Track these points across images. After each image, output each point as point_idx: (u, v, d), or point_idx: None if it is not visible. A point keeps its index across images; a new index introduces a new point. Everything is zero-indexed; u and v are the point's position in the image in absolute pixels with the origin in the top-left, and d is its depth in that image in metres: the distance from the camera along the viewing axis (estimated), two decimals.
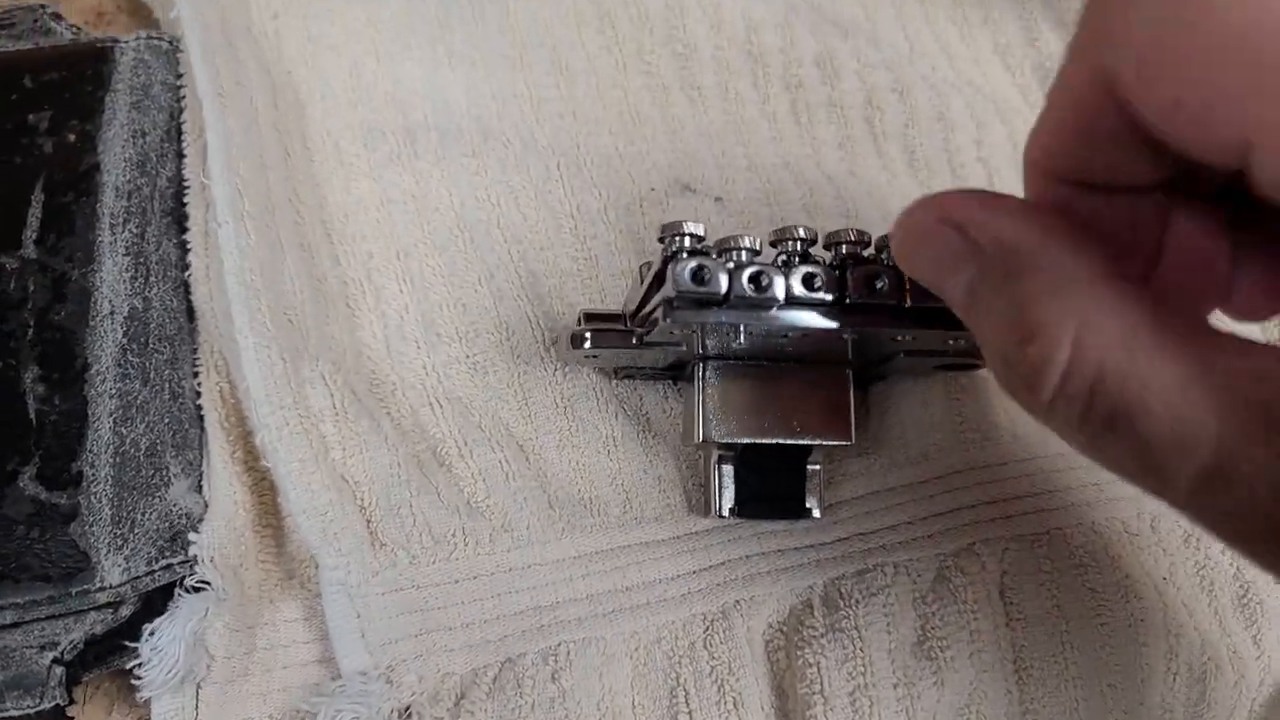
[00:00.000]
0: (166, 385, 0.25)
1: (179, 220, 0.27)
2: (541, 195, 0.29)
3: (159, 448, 0.25)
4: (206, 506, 0.25)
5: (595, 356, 0.25)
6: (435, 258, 0.27)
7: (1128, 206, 0.17)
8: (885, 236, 0.22)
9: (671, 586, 0.25)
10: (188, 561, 0.24)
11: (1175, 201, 0.18)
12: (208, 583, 0.24)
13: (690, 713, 0.24)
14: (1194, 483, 0.15)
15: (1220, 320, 0.18)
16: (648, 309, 0.23)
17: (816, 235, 0.22)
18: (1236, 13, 0.14)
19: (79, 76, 0.28)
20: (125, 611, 0.23)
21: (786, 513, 0.25)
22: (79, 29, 0.31)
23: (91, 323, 0.25)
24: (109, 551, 0.23)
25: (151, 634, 0.23)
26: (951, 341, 0.23)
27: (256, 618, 0.24)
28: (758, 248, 0.21)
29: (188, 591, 0.24)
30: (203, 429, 0.26)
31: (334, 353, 0.25)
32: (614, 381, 0.27)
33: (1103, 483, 0.28)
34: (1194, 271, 0.18)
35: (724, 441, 0.24)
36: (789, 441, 0.24)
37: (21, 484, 0.23)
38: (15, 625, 0.23)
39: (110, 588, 0.23)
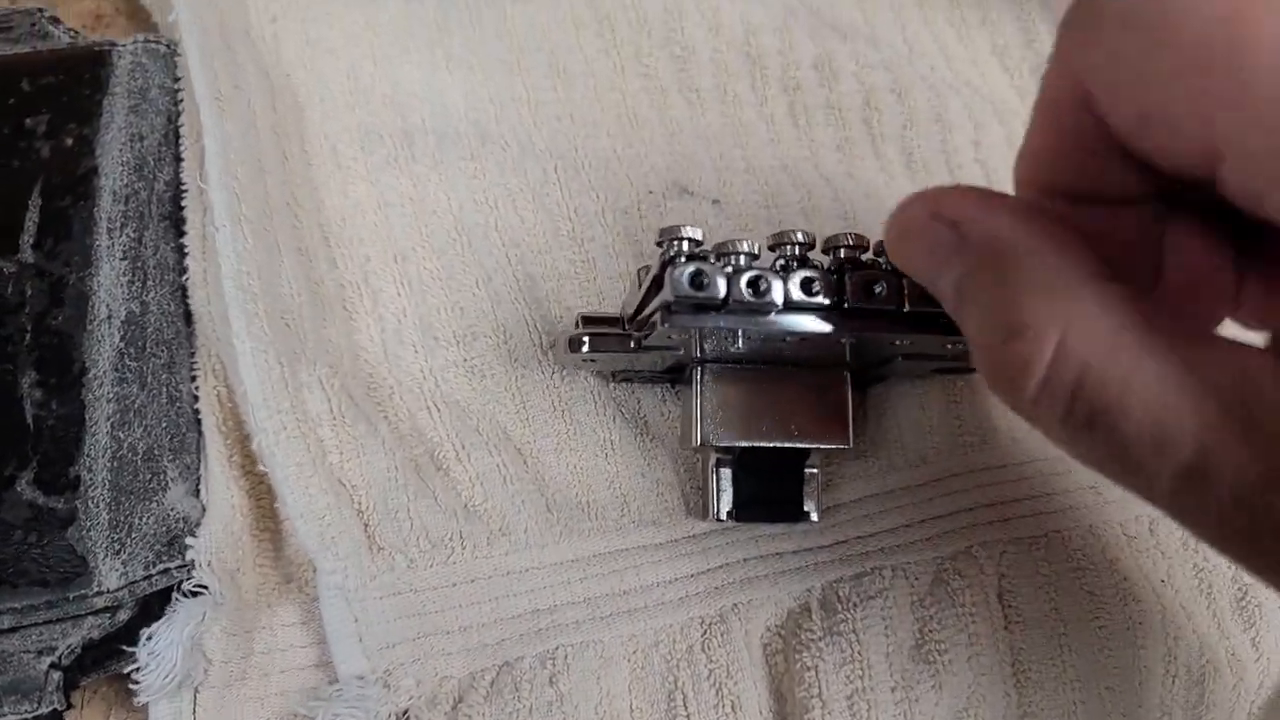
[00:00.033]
0: (164, 389, 0.25)
1: (177, 224, 0.27)
2: (539, 198, 0.29)
3: (156, 452, 0.25)
4: (204, 511, 0.25)
5: (593, 360, 0.25)
6: (433, 261, 0.27)
7: (1123, 219, 0.17)
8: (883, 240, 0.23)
9: (669, 590, 0.25)
10: (185, 566, 0.24)
11: (1175, 212, 0.18)
12: (205, 587, 0.24)
13: (688, 716, 0.24)
14: (1175, 482, 0.15)
15: (1230, 328, 0.18)
16: (645, 313, 0.23)
17: (815, 239, 0.22)
18: (1196, 27, 0.14)
19: (76, 80, 0.28)
20: (123, 616, 0.23)
21: (784, 516, 0.25)
22: (77, 32, 0.31)
23: (89, 327, 0.25)
24: (106, 556, 0.23)
25: (149, 638, 0.23)
26: (949, 346, 0.23)
27: (254, 622, 0.24)
28: (756, 252, 0.21)
29: (185, 596, 0.24)
30: (200, 433, 0.26)
31: (331, 356, 0.25)
32: (612, 385, 0.27)
33: (1101, 485, 0.28)
34: (1197, 280, 0.18)
35: (722, 445, 0.24)
36: (787, 445, 0.24)
37: (19, 489, 0.23)
38: (12, 630, 0.23)
39: (108, 592, 0.23)
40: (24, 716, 0.22)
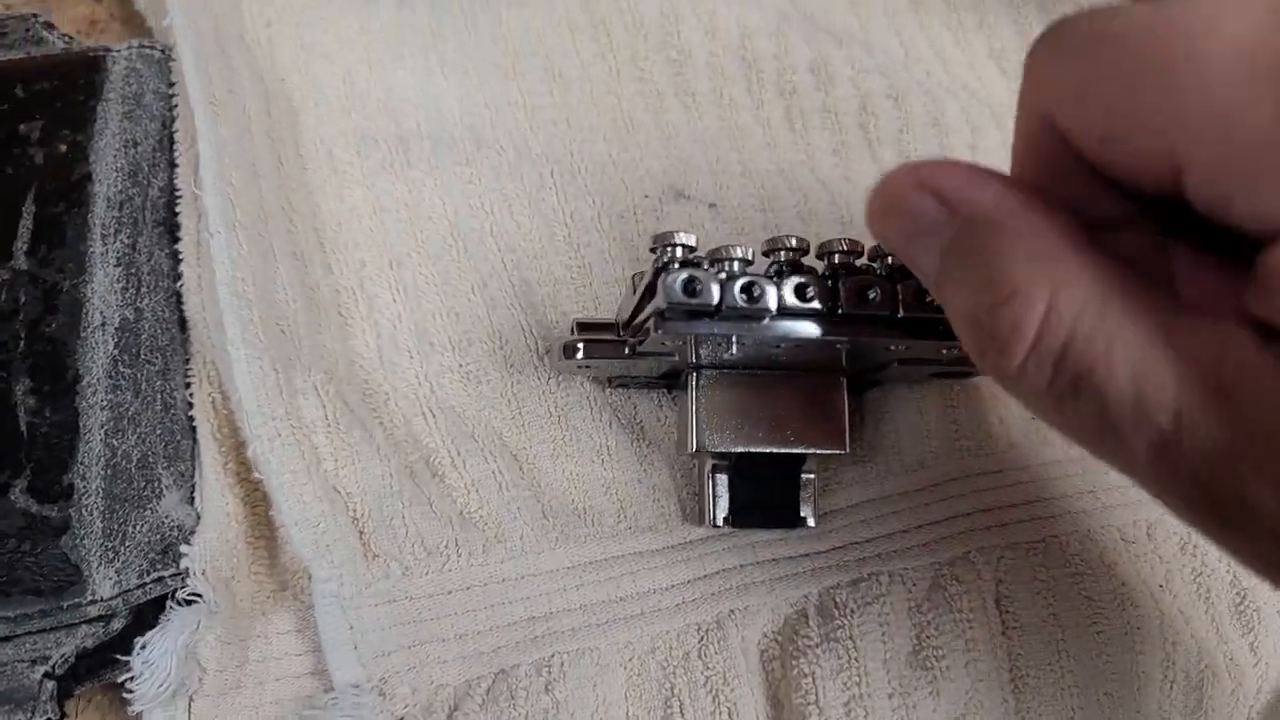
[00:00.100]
0: (158, 396, 0.25)
1: (171, 230, 0.27)
2: (535, 203, 0.29)
3: (151, 459, 0.24)
4: (198, 518, 0.25)
5: (588, 366, 0.25)
6: (428, 266, 0.27)
7: (1125, 244, 0.17)
8: (878, 245, 0.22)
9: (666, 596, 0.25)
10: (179, 574, 0.24)
11: (1175, 234, 0.18)
12: (199, 595, 0.24)
13: None
14: (1152, 451, 0.15)
15: None
16: (639, 320, 0.23)
17: (809, 245, 0.22)
18: (1146, 47, 0.15)
19: (71, 86, 0.28)
20: (116, 625, 0.23)
21: (781, 522, 0.25)
22: (71, 38, 0.30)
23: (83, 334, 0.25)
24: (100, 564, 0.23)
25: (143, 647, 0.23)
26: (945, 351, 0.23)
27: (249, 630, 0.24)
28: (750, 258, 0.21)
29: (179, 604, 0.24)
30: (195, 440, 0.26)
31: (326, 363, 0.25)
32: (608, 390, 0.27)
33: (1099, 490, 0.28)
34: (1211, 295, 0.18)
35: (718, 451, 0.24)
36: (783, 450, 0.24)
37: (12, 497, 0.23)
38: (6, 639, 0.23)
39: (101, 601, 0.23)
40: None
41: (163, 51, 0.29)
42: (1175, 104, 0.14)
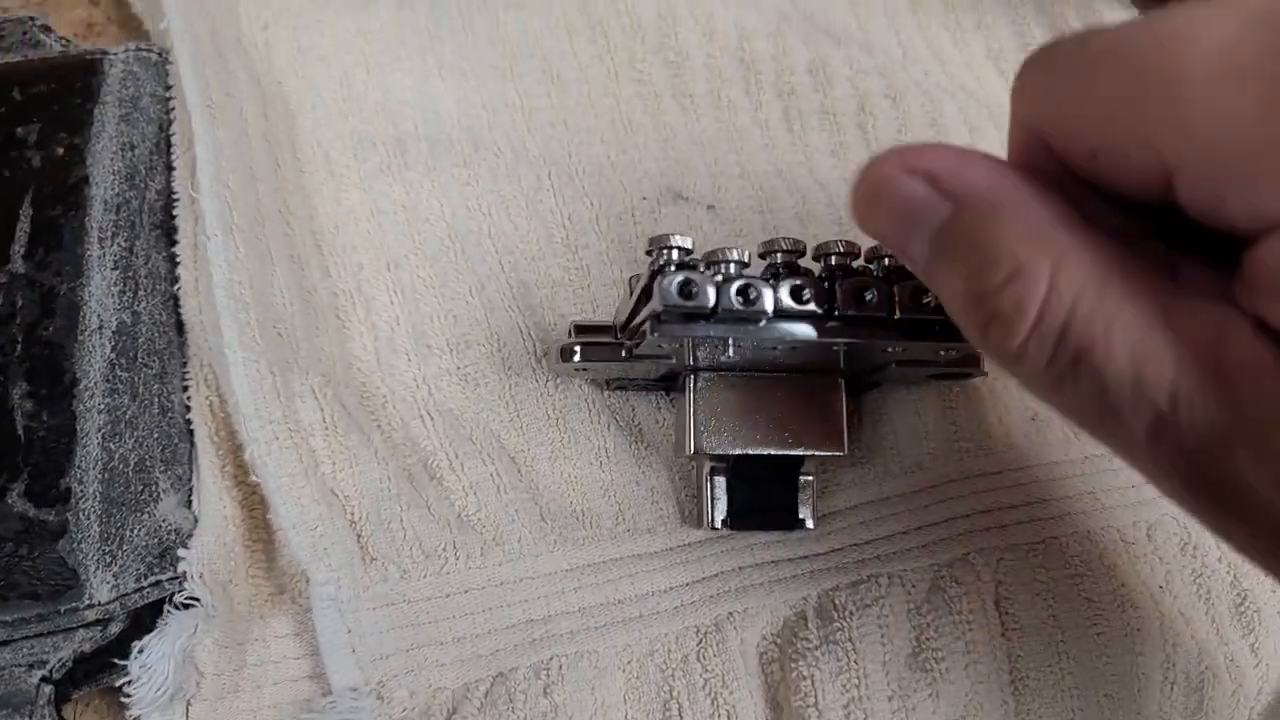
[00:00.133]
0: (155, 400, 0.25)
1: (168, 233, 0.27)
2: (533, 205, 0.29)
3: (148, 463, 0.24)
4: (196, 522, 0.25)
5: (585, 369, 0.25)
6: (426, 269, 0.27)
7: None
8: (875, 247, 0.22)
9: (664, 599, 0.25)
10: (177, 578, 0.24)
11: (1178, 245, 0.18)
12: (197, 599, 0.24)
13: None
14: (1151, 431, 0.15)
15: None
16: (636, 322, 0.23)
17: (805, 247, 0.22)
18: (1130, 58, 0.15)
19: (68, 89, 0.28)
20: (114, 629, 0.23)
21: (780, 524, 0.25)
22: (68, 41, 0.30)
23: (80, 337, 0.25)
24: (98, 568, 0.23)
25: (141, 651, 0.23)
26: (943, 352, 0.23)
27: (246, 634, 0.24)
28: (746, 260, 0.21)
29: (177, 608, 0.24)
30: (192, 443, 0.25)
31: (324, 365, 0.25)
32: (606, 393, 0.27)
33: (1098, 491, 0.28)
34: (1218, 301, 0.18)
35: (716, 453, 0.24)
36: (781, 452, 0.24)
37: (9, 501, 0.23)
38: (4, 643, 0.23)
39: (99, 605, 0.23)
40: None
41: (160, 54, 0.29)
42: (1162, 112, 0.14)
